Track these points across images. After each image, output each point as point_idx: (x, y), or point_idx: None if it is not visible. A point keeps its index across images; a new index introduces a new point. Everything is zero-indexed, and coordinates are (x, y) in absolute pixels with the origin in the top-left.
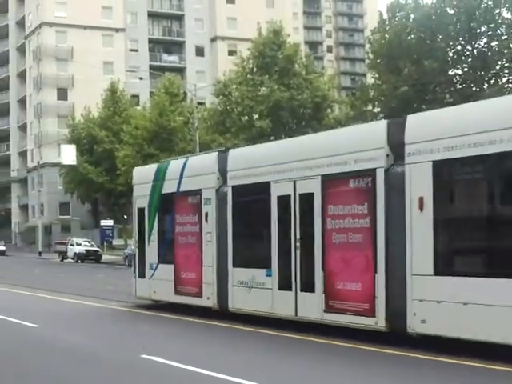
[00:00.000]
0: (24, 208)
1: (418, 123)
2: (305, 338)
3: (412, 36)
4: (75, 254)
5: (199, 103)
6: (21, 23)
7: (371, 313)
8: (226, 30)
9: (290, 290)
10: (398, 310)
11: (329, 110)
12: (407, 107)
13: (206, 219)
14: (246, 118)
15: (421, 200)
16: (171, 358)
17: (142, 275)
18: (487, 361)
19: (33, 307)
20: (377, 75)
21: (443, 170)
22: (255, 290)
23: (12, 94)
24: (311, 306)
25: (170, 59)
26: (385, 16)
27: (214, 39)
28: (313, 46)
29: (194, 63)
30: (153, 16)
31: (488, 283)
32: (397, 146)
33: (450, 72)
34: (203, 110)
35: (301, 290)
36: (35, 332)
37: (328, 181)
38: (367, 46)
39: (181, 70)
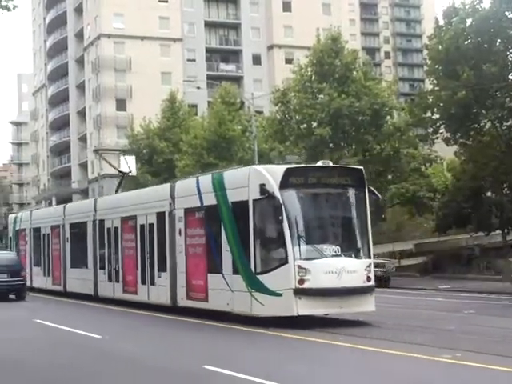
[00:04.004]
0: None
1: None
2: None
3: (469, 41)
4: None
5: (257, 112)
6: (79, 35)
7: None
8: (283, 38)
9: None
10: None
11: (388, 117)
12: (467, 112)
13: (26, 243)
14: (305, 125)
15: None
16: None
17: None
18: None
19: None
20: (435, 81)
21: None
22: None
23: (72, 105)
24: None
25: (228, 68)
26: (441, 22)
27: (270, 47)
28: (370, 52)
29: (251, 72)
30: (210, 25)
31: None
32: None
33: (510, 76)
34: (261, 119)
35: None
36: None
37: None
38: (425, 51)
39: (238, 79)
